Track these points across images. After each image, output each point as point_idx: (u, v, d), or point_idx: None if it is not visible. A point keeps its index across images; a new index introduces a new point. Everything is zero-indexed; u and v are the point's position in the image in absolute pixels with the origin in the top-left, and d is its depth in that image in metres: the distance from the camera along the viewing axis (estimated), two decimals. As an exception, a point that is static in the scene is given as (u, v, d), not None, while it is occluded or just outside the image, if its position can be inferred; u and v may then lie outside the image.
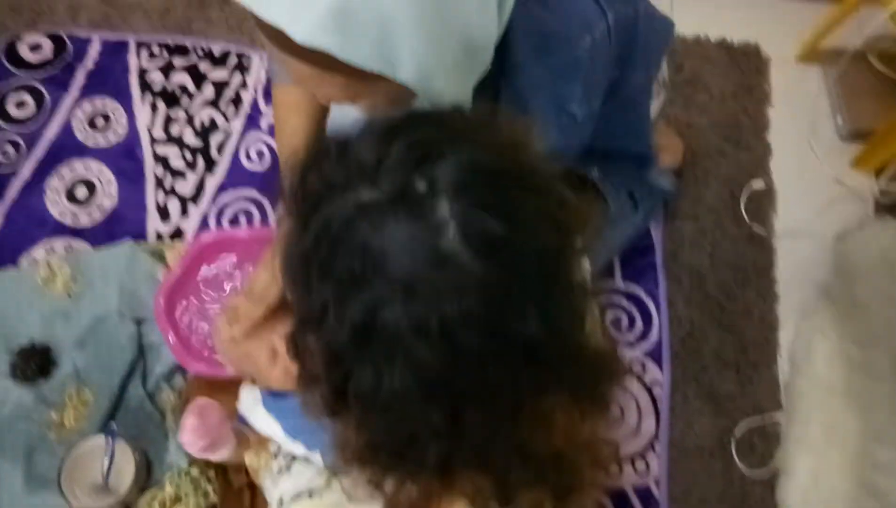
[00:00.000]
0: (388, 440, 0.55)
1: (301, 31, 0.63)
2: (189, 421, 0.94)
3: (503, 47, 0.82)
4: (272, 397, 0.95)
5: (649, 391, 1.33)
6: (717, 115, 1.66)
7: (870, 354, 1.24)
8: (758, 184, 1.57)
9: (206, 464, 1.12)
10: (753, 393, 1.35)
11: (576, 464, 0.61)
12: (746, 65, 1.74)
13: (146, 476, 1.11)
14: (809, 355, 1.36)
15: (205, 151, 1.51)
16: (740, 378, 1.36)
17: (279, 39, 0.66)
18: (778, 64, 1.74)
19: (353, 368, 0.51)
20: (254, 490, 1.11)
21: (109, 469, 1.08)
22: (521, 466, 0.56)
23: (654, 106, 1.46)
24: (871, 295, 1.27)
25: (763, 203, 1.56)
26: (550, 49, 0.84)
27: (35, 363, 1.16)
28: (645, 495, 1.22)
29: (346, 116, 1.19)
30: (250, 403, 0.95)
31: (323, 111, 1.06)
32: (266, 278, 0.90)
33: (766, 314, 1.43)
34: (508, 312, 0.49)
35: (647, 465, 1.25)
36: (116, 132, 1.51)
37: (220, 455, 0.98)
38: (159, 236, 1.40)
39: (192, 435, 0.94)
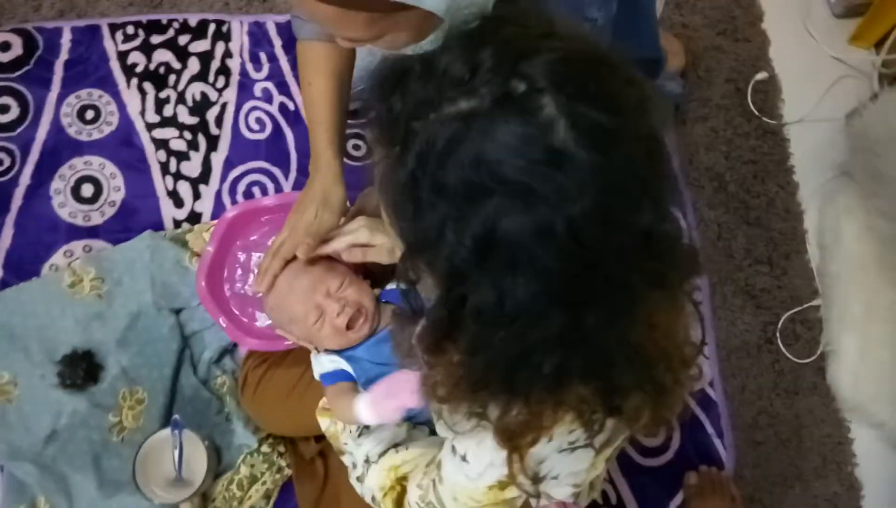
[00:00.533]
0: (504, 357, 0.52)
1: None
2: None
3: None
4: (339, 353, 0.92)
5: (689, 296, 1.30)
6: (709, 11, 1.59)
7: (900, 225, 1.22)
8: (761, 75, 1.52)
9: (276, 440, 1.09)
10: (789, 284, 1.33)
11: (672, 364, 0.59)
12: (731, -46, 1.65)
13: (217, 462, 1.08)
14: (838, 236, 1.34)
15: (203, 127, 1.42)
16: (774, 271, 1.34)
17: None
18: (763, -51, 1.66)
19: (474, 285, 0.49)
20: (325, 458, 1.09)
21: (181, 461, 1.04)
22: (629, 367, 0.55)
23: (659, 6, 1.39)
24: (895, 166, 1.24)
25: (769, 94, 1.50)
26: None
27: (82, 369, 1.11)
28: (703, 398, 1.21)
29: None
30: (323, 364, 0.93)
31: (349, 68, 1.00)
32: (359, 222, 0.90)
33: (789, 204, 1.40)
34: (626, 202, 0.48)
35: (700, 369, 1.23)
36: (109, 122, 1.42)
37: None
38: (178, 225, 1.33)
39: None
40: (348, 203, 1.11)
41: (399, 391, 0.81)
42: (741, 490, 1.16)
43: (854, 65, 1.53)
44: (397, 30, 0.72)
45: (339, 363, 0.93)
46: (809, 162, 1.45)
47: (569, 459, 0.64)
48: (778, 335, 1.29)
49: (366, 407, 0.83)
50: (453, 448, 0.70)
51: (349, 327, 0.90)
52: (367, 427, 0.92)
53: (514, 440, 0.60)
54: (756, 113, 1.48)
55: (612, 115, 0.47)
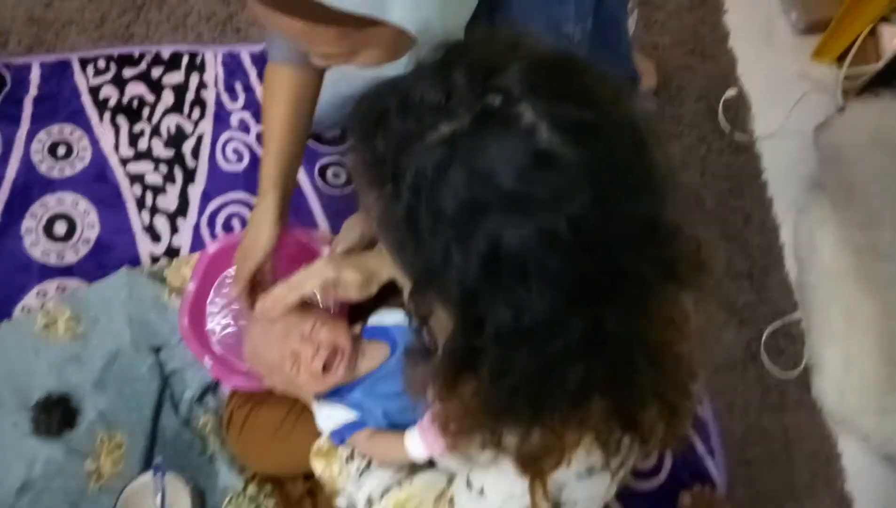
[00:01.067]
0: (529, 376, 0.51)
1: None
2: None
3: None
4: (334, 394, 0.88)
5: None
6: (677, 31, 1.58)
7: (874, 235, 1.21)
8: (730, 92, 1.51)
9: (262, 480, 1.03)
10: (770, 298, 1.31)
11: (684, 373, 0.58)
12: (695, -24, 1.65)
13: (202, 505, 1.02)
14: (814, 248, 1.32)
15: (179, 160, 1.36)
16: (755, 286, 1.32)
17: None
18: (724, -30, 1.66)
19: (488, 305, 0.48)
20: (314, 497, 1.04)
21: (163, 505, 0.98)
22: (649, 370, 0.53)
23: (631, 26, 1.38)
24: (866, 176, 1.23)
25: (739, 110, 1.50)
26: None
27: (57, 414, 1.04)
28: (693, 417, 1.17)
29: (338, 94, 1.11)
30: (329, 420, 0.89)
31: (310, 98, 0.98)
32: (312, 270, 0.87)
33: (765, 219, 1.39)
34: (620, 192, 0.47)
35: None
36: (82, 158, 1.36)
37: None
38: (155, 259, 1.27)
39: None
40: (330, 233, 1.07)
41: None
42: (735, 508, 1.13)
43: (818, 80, 1.53)
44: (370, 46, 0.70)
45: (347, 415, 0.88)
46: (782, 176, 1.44)
47: (587, 483, 0.63)
48: (762, 349, 1.26)
49: (417, 441, 0.79)
50: (468, 482, 0.68)
51: (325, 369, 0.86)
52: (367, 467, 0.87)
53: (538, 465, 0.58)
54: (727, 130, 1.47)
55: (589, 109, 0.47)
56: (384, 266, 0.88)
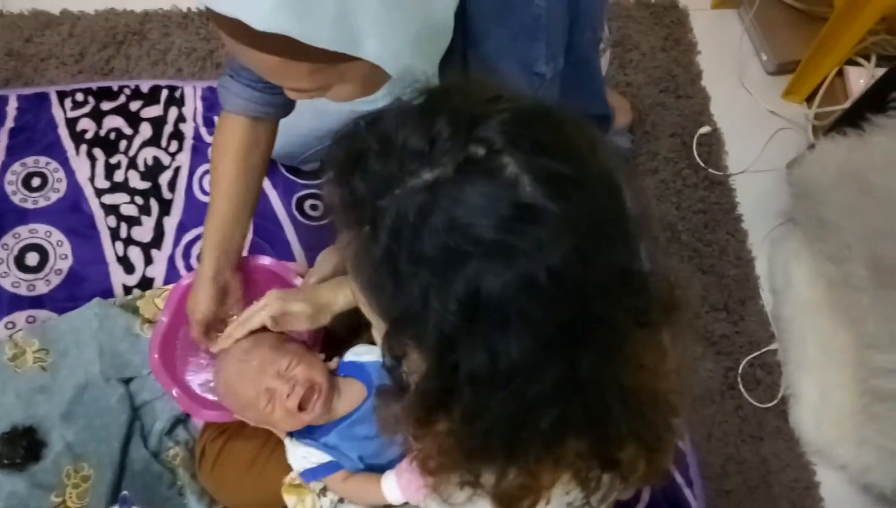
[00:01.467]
0: (502, 419, 0.52)
1: (257, 17, 0.61)
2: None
3: (463, 16, 0.79)
4: (309, 433, 0.89)
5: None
6: (651, 71, 1.66)
7: (846, 268, 1.26)
8: (704, 129, 1.58)
9: (233, 514, 1.03)
10: (747, 329, 1.35)
11: (663, 410, 0.60)
12: (668, 18, 1.75)
13: (170, 540, 1.02)
14: (789, 281, 1.38)
15: (156, 192, 1.40)
16: (731, 317, 1.36)
17: (238, 32, 0.63)
18: (696, 13, 1.76)
19: (465, 350, 0.49)
20: (287, 529, 1.03)
21: (129, 541, 0.97)
22: (624, 412, 0.55)
23: (604, 65, 1.44)
24: (836, 211, 1.29)
25: (713, 146, 1.57)
26: (509, 9, 0.82)
27: (22, 447, 1.04)
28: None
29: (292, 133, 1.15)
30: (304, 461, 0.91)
31: (262, 153, 1.01)
32: (260, 305, 0.92)
33: (740, 252, 1.44)
34: (599, 243, 0.49)
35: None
36: (56, 189, 1.38)
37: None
38: (128, 291, 1.29)
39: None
40: (306, 265, 1.09)
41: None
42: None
43: (789, 117, 1.61)
44: (343, 81, 0.72)
45: (322, 457, 0.89)
46: (756, 210, 1.50)
47: None
48: (739, 380, 1.30)
49: (394, 485, 0.82)
50: None
51: (301, 408, 0.87)
52: (341, 501, 0.88)
53: (513, 505, 0.59)
54: (702, 165, 1.54)
55: (569, 162, 0.49)
56: (339, 298, 0.92)
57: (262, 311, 0.91)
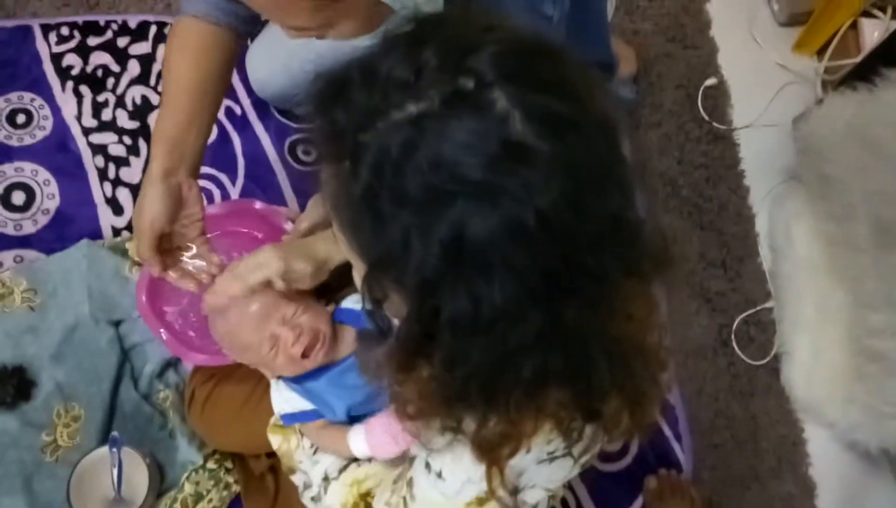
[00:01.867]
0: (483, 366, 0.52)
1: None
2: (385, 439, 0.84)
3: None
4: (298, 379, 0.91)
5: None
6: (658, 19, 1.64)
7: (848, 227, 1.27)
8: (710, 81, 1.57)
9: (223, 456, 1.07)
10: (743, 287, 1.38)
11: (649, 363, 0.60)
12: (678, -36, 1.72)
13: (160, 480, 1.05)
14: (789, 239, 1.39)
15: (144, 132, 1.39)
16: (728, 274, 1.38)
17: None
18: (706, -42, 1.73)
19: (447, 295, 0.48)
20: (276, 473, 1.07)
21: (120, 479, 1.01)
22: (608, 364, 0.54)
23: (609, 11, 1.43)
24: (842, 169, 1.29)
25: (719, 99, 1.56)
26: None
27: (11, 386, 1.07)
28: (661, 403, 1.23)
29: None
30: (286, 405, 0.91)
31: (223, 60, 0.93)
32: (257, 259, 0.86)
33: (741, 208, 1.46)
34: (592, 188, 0.48)
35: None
36: (42, 127, 1.38)
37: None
38: (117, 233, 1.30)
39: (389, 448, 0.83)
40: (298, 211, 1.09)
41: (399, 433, 0.79)
42: (700, 493, 1.18)
43: (798, 71, 1.60)
44: (345, 18, 0.71)
45: (304, 405, 0.91)
46: (759, 166, 1.51)
47: (547, 470, 0.64)
48: (733, 337, 1.33)
49: (362, 439, 0.82)
50: (427, 465, 0.69)
51: (304, 355, 0.89)
52: None
53: (493, 452, 0.59)
54: (706, 118, 1.54)
55: (565, 101, 0.47)
56: (336, 250, 0.88)
57: (261, 270, 0.86)
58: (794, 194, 1.43)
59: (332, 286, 1.05)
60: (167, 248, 0.90)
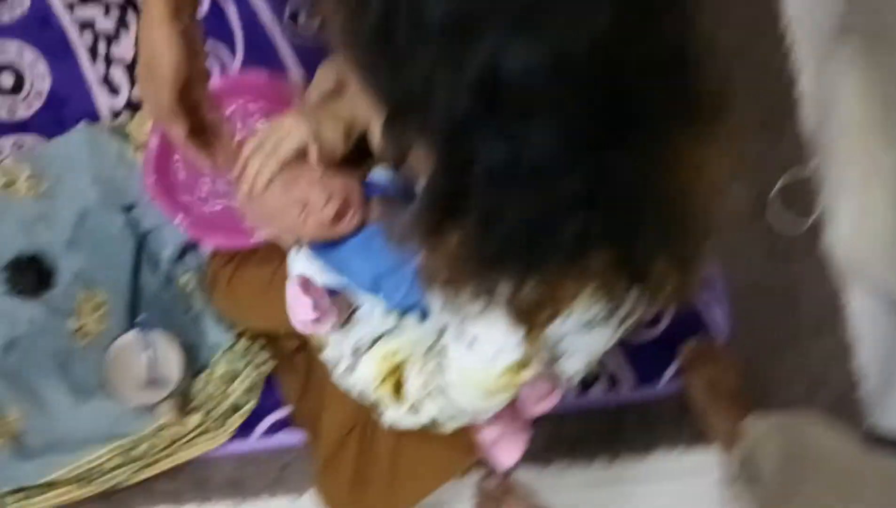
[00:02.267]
0: (523, 225, 0.48)
1: None
2: (300, 299, 0.86)
3: None
4: (323, 249, 0.90)
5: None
6: None
7: (904, 84, 1.23)
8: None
9: (254, 335, 1.09)
10: (783, 150, 1.35)
11: (697, 225, 0.57)
12: None
13: (192, 361, 1.08)
14: (836, 98, 1.35)
15: (133, 4, 1.33)
16: (768, 137, 1.35)
17: None
18: None
19: (480, 142, 0.44)
20: (308, 352, 1.09)
21: (153, 361, 1.04)
22: (658, 224, 0.52)
23: None
24: (899, 17, 1.23)
25: (761, -55, 1.47)
26: None
27: (31, 273, 1.08)
28: (696, 271, 1.24)
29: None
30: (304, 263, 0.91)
31: None
32: (284, 129, 0.81)
33: (783, 67, 1.40)
34: (647, 11, 0.43)
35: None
36: (20, 1, 1.32)
37: (326, 327, 0.91)
38: (116, 114, 1.27)
39: (304, 310, 0.86)
40: (303, 85, 1.04)
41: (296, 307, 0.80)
42: (736, 358, 1.21)
43: None
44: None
45: (324, 278, 0.90)
46: (805, 21, 1.43)
47: (587, 337, 0.63)
48: (771, 203, 1.31)
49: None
50: (460, 332, 0.68)
51: (336, 218, 0.87)
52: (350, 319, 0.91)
53: (531, 318, 0.57)
54: (748, -35, 1.45)
55: None
56: (360, 106, 0.78)
57: (291, 138, 0.81)
58: (847, 46, 1.37)
59: (356, 161, 1.03)
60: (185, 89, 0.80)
